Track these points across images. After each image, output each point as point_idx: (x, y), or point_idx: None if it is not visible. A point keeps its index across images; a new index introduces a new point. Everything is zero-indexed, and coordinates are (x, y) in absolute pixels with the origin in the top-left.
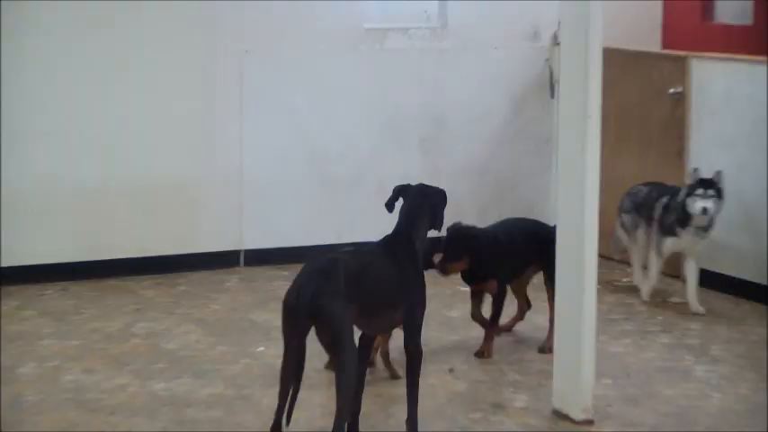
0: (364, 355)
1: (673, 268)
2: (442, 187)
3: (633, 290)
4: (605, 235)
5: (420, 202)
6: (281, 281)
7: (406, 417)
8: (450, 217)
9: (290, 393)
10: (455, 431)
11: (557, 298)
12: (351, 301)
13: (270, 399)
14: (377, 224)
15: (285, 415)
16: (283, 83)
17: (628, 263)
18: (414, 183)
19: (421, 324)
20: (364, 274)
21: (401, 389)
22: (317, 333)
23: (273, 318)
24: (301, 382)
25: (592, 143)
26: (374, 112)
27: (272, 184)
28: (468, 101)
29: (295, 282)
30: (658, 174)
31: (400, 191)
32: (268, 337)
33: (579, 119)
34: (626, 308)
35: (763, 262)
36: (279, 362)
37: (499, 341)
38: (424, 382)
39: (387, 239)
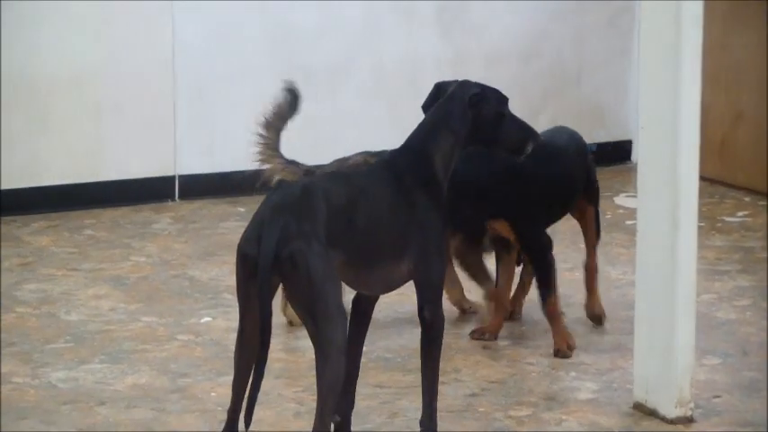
0: (358, 327)
1: None
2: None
3: (751, 227)
4: (711, 148)
5: (450, 108)
6: (233, 221)
7: (420, 416)
8: None
9: (251, 382)
10: None
11: (638, 238)
12: (334, 246)
13: (220, 390)
14: (371, 136)
15: (243, 413)
16: None
17: (745, 188)
18: (426, 72)
19: (442, 282)
20: (353, 206)
21: (412, 375)
22: (288, 295)
23: (223, 274)
24: (265, 366)
25: (691, 13)
26: None
27: (216, 80)
28: None
29: (254, 221)
30: None
31: (439, 88)
32: (216, 302)
33: None
34: (742, 254)
35: None
36: (232, 338)
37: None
38: (447, 365)
39: (391, 156)
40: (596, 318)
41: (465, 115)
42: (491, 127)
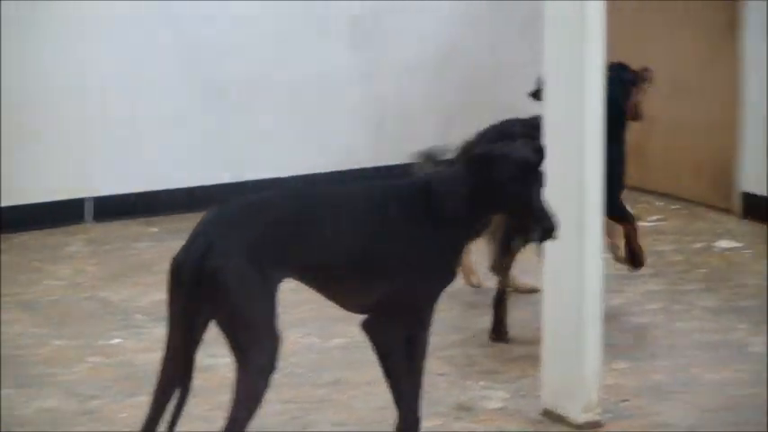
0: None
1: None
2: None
3: (663, 231)
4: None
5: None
6: (146, 241)
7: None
8: (397, 134)
9: (176, 404)
10: None
11: (545, 245)
12: (278, 264)
13: (131, 411)
14: (287, 151)
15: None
16: None
17: (658, 192)
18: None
19: (425, 319)
20: (304, 225)
21: (323, 390)
22: (213, 316)
23: (135, 295)
24: (189, 389)
25: (593, 15)
26: None
27: (127, 99)
28: None
29: (191, 234)
30: (700, 57)
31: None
32: (127, 323)
33: None
34: (655, 258)
35: None
36: (143, 358)
37: (458, 314)
38: (359, 377)
39: (388, 184)
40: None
41: (470, 174)
42: (496, 196)
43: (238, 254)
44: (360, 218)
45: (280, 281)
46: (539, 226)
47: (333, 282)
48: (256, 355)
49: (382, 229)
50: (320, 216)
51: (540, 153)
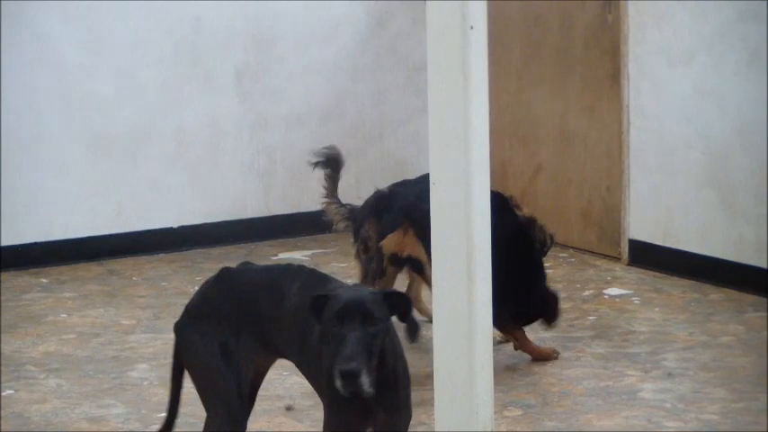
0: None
1: (607, 242)
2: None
3: (552, 279)
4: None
5: None
6: (36, 292)
7: None
8: (286, 184)
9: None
10: None
11: (434, 295)
12: (239, 333)
13: None
14: (173, 201)
15: None
16: (27, 2)
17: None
18: (228, 137)
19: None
20: (259, 298)
21: None
22: None
23: (26, 346)
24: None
25: (477, 68)
26: (163, 35)
27: (14, 148)
28: (305, 14)
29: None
30: (585, 107)
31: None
32: (18, 374)
33: (457, 32)
34: None
35: (738, 233)
36: (35, 409)
37: None
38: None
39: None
40: None
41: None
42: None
43: (195, 327)
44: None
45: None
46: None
47: (276, 349)
48: (209, 423)
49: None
50: (267, 294)
51: (371, 295)
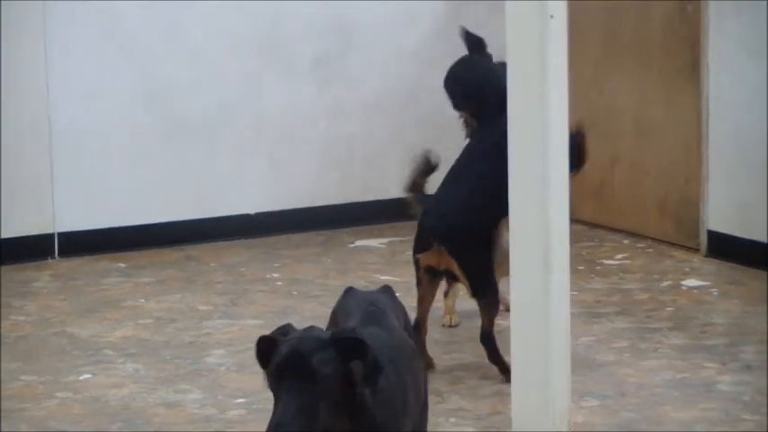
0: None
1: (685, 233)
2: None
3: (629, 269)
4: (589, 192)
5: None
6: (114, 276)
7: None
8: (364, 172)
9: None
10: None
11: (512, 283)
12: None
13: None
14: (252, 190)
15: None
16: None
17: (624, 230)
18: (305, 125)
19: None
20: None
21: None
22: None
23: (104, 330)
24: None
25: (555, 58)
26: (242, 21)
27: (92, 137)
28: (384, 2)
29: None
30: (663, 97)
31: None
32: (96, 358)
33: (537, 21)
34: (621, 296)
35: None
36: (112, 393)
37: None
38: None
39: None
40: None
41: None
42: None
43: None
44: None
45: None
46: None
47: None
48: None
49: None
50: None
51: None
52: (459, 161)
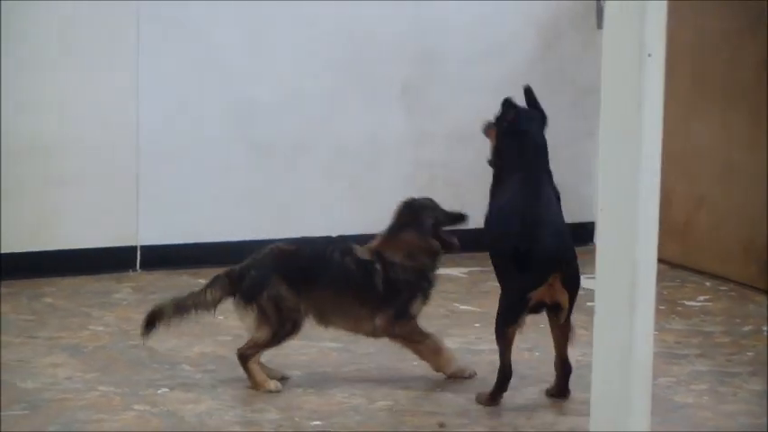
0: None
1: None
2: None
3: (711, 312)
4: (673, 232)
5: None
6: None
7: None
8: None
9: None
10: None
11: (595, 320)
12: None
13: None
14: (332, 214)
15: None
16: (192, 3)
17: (707, 272)
18: (389, 150)
19: None
20: None
21: None
22: None
23: (182, 346)
24: None
25: (652, 96)
26: (330, 45)
27: (178, 153)
28: (474, 31)
29: None
30: (751, 139)
31: None
32: (173, 373)
33: (634, 59)
34: (701, 338)
35: None
36: (189, 409)
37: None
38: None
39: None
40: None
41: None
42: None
43: None
44: None
45: None
46: None
47: None
48: None
49: None
50: None
51: None
52: (524, 189)
